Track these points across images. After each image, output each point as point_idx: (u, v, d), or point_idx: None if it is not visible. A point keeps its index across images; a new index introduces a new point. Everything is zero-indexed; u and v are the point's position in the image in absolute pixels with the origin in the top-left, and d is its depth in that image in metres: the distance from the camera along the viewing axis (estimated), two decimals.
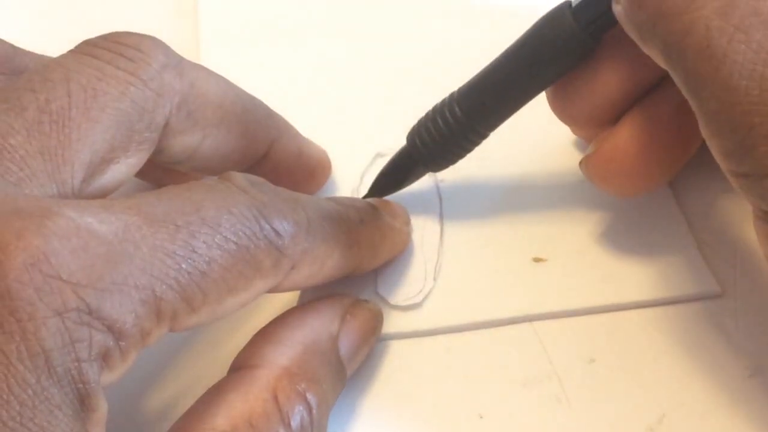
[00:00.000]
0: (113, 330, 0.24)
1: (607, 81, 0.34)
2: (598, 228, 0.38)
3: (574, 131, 0.39)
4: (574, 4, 0.33)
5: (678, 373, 0.34)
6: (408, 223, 0.38)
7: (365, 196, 0.39)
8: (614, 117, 0.35)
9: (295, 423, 0.29)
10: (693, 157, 0.37)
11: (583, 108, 0.35)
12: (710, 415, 0.33)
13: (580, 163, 0.36)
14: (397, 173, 0.38)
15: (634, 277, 0.37)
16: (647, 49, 0.30)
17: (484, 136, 0.36)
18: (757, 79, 0.27)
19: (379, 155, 0.41)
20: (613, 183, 0.36)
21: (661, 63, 0.30)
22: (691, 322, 0.36)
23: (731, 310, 0.36)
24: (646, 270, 0.37)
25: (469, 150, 0.37)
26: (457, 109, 0.36)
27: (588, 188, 0.37)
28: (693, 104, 0.29)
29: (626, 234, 0.38)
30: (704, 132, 0.29)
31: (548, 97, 0.36)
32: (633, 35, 0.30)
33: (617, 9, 0.31)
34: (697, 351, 0.35)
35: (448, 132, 0.36)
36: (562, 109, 0.36)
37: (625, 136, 0.35)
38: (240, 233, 0.28)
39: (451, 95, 0.36)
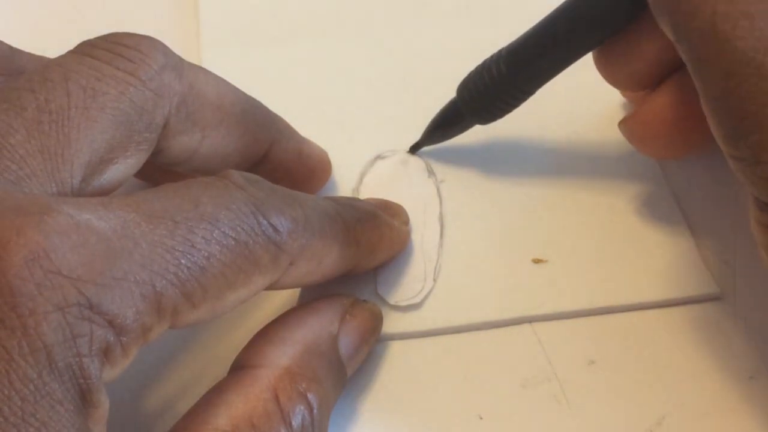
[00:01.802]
0: (114, 325, 0.24)
1: (650, 46, 0.34)
2: (598, 229, 0.38)
3: (622, 93, 0.40)
4: None
5: (678, 374, 0.34)
6: (407, 222, 0.38)
7: (414, 145, 0.41)
8: (656, 81, 0.36)
9: (296, 423, 0.29)
10: (693, 158, 0.37)
11: (625, 71, 0.36)
12: (710, 416, 0.33)
13: (620, 123, 0.37)
14: (445, 123, 0.40)
15: (633, 279, 0.37)
16: (661, 25, 0.31)
17: (528, 93, 0.37)
18: (756, 68, 0.27)
19: (379, 157, 0.41)
20: (649, 145, 0.36)
21: (672, 40, 0.30)
22: (691, 323, 0.36)
23: (731, 312, 0.36)
24: (646, 271, 0.37)
25: (514, 106, 0.38)
26: (502, 66, 0.37)
27: (588, 189, 0.37)
28: (696, 84, 0.30)
29: (626, 235, 0.38)
30: (705, 112, 0.30)
31: (594, 58, 0.37)
32: (652, 10, 0.31)
33: None
34: (697, 353, 0.35)
35: (494, 88, 0.37)
36: (606, 70, 0.37)
37: (663, 100, 0.35)
38: (238, 229, 0.28)
39: (499, 52, 0.37)
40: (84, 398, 0.24)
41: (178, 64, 0.32)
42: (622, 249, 0.38)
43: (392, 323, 0.36)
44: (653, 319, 0.36)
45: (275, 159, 0.36)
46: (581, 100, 0.42)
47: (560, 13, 0.36)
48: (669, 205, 0.39)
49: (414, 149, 0.41)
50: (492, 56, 0.37)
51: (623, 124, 0.37)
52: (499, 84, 0.37)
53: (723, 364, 0.35)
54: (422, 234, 0.38)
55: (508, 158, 0.40)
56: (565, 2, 0.35)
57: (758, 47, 0.27)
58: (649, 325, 0.36)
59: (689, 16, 0.29)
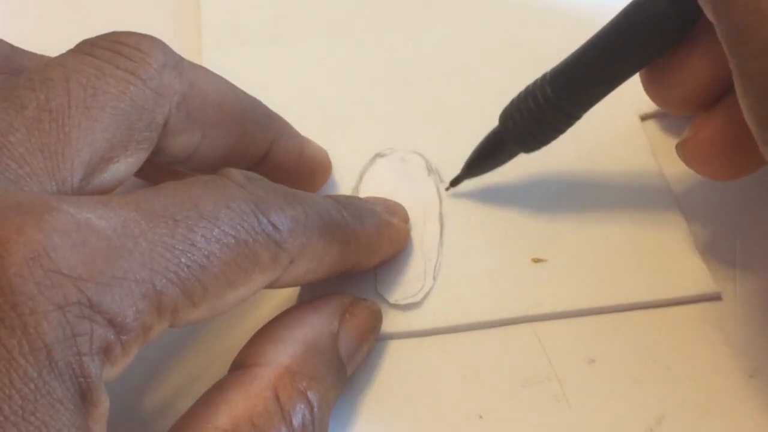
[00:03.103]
0: (114, 324, 0.24)
1: (702, 64, 0.33)
2: (598, 228, 0.38)
3: (669, 111, 0.38)
4: None
5: (677, 374, 0.34)
6: (407, 220, 0.38)
7: (454, 179, 0.39)
8: (710, 100, 0.35)
9: (296, 421, 0.29)
10: None
11: (677, 91, 0.35)
12: (710, 416, 0.33)
13: (677, 146, 0.36)
14: (489, 153, 0.38)
15: (633, 278, 0.37)
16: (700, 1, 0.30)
17: (575, 117, 0.36)
18: None
19: (378, 155, 0.41)
20: (712, 167, 0.35)
21: (710, 15, 0.29)
22: (691, 323, 0.36)
23: (731, 311, 0.36)
24: (646, 271, 0.37)
25: (561, 131, 0.37)
26: (548, 89, 0.35)
27: (588, 188, 0.37)
28: (732, 62, 0.29)
29: (626, 234, 0.38)
30: (738, 91, 0.29)
31: (642, 80, 0.36)
32: None
33: None
34: (697, 352, 0.35)
35: (539, 113, 0.36)
36: (655, 92, 0.36)
37: (724, 119, 0.34)
38: (238, 227, 0.28)
39: (543, 76, 0.36)
40: (84, 397, 0.24)
41: (178, 63, 0.32)
42: (621, 248, 0.38)
43: (392, 322, 0.36)
44: (653, 319, 0.36)
45: (275, 158, 0.36)
46: None
47: (606, 33, 0.34)
48: (669, 204, 0.39)
49: (454, 183, 0.40)
50: (536, 81, 0.36)
51: (681, 147, 0.36)
52: (546, 109, 0.36)
53: (723, 363, 0.35)
54: (422, 233, 0.38)
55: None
56: (610, 21, 0.34)
57: None
58: (649, 324, 0.36)
59: None
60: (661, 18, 0.33)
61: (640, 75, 0.35)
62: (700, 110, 0.35)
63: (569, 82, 0.35)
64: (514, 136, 0.37)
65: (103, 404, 0.25)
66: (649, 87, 0.36)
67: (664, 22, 0.33)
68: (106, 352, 0.24)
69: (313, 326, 0.32)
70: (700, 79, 0.34)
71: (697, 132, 0.35)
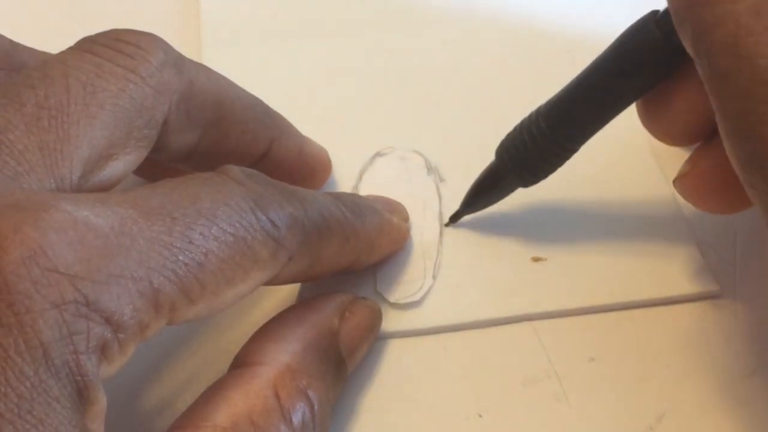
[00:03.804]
0: (111, 322, 0.24)
1: (698, 96, 0.32)
2: (598, 228, 0.38)
3: (666, 143, 0.37)
4: (659, 15, 0.32)
5: (677, 372, 0.34)
6: (406, 219, 0.38)
7: (453, 215, 0.39)
8: (707, 132, 0.34)
9: (296, 420, 0.29)
10: None
11: (674, 124, 0.34)
12: (709, 414, 0.33)
13: (674, 181, 0.35)
14: (487, 188, 0.38)
15: (633, 277, 0.37)
16: (681, 37, 0.29)
17: (571, 150, 0.35)
18: None
19: (378, 154, 0.41)
20: (710, 202, 0.34)
21: (691, 52, 0.29)
22: (691, 321, 0.36)
23: (731, 309, 0.36)
24: (646, 270, 0.37)
25: (558, 165, 0.36)
26: (543, 124, 0.35)
27: (588, 187, 0.37)
28: (713, 102, 0.28)
29: (626, 234, 0.38)
30: (721, 132, 0.28)
31: (638, 112, 0.35)
32: (673, 18, 0.30)
33: None
34: (697, 350, 0.35)
35: (535, 147, 0.35)
36: (651, 124, 0.35)
37: (722, 153, 0.32)
38: (237, 224, 0.28)
39: (537, 109, 0.35)
40: (81, 395, 0.24)
41: (178, 61, 0.32)
42: (621, 246, 0.38)
43: (392, 321, 0.36)
44: (653, 317, 0.36)
45: (275, 157, 0.36)
46: None
47: (598, 65, 0.34)
48: (669, 202, 0.39)
49: (453, 219, 0.39)
50: (530, 115, 0.36)
51: (679, 182, 0.35)
52: (541, 142, 0.35)
53: (723, 361, 0.35)
54: (422, 232, 0.38)
55: None
56: (603, 53, 0.34)
57: None
58: (649, 322, 0.36)
59: (711, 25, 0.27)
60: (655, 49, 0.32)
61: (636, 107, 0.35)
62: (697, 142, 0.34)
63: (563, 115, 0.35)
64: (512, 170, 0.36)
65: (100, 402, 0.25)
66: (646, 120, 0.35)
67: (657, 53, 0.32)
68: (103, 351, 0.24)
69: (314, 325, 0.32)
70: (696, 111, 0.33)
71: (694, 166, 0.34)
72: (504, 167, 0.36)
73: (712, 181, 0.33)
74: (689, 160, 0.34)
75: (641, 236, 0.38)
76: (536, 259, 0.38)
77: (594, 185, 0.38)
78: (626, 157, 0.41)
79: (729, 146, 0.28)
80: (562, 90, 0.35)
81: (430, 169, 0.41)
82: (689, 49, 0.29)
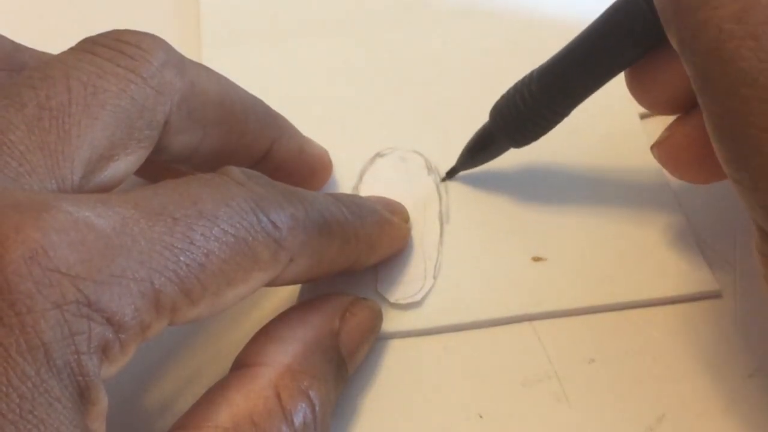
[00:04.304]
0: (113, 322, 0.24)
1: (681, 67, 0.33)
2: (598, 228, 0.38)
3: (653, 112, 0.39)
4: None
5: (677, 372, 0.34)
6: (407, 219, 0.38)
7: (450, 171, 0.40)
8: (693, 101, 0.34)
9: (297, 420, 0.29)
10: None
11: (660, 92, 0.35)
12: (709, 414, 0.33)
13: (652, 147, 0.36)
14: (480, 147, 0.39)
15: (633, 277, 0.37)
16: (667, 34, 0.30)
17: (561, 114, 0.37)
18: (758, 89, 0.27)
19: (378, 155, 0.41)
20: (685, 170, 0.35)
21: (678, 53, 0.30)
22: (691, 322, 0.36)
23: (731, 310, 0.36)
24: (646, 270, 0.37)
25: (548, 128, 0.37)
26: (534, 87, 0.36)
27: (588, 188, 0.37)
28: (700, 101, 0.29)
29: (626, 233, 0.38)
30: (708, 130, 0.29)
31: (626, 81, 0.36)
32: (662, 22, 0.30)
33: None
34: (697, 351, 0.35)
35: (526, 110, 0.37)
36: (639, 92, 0.36)
37: (699, 122, 0.33)
38: (238, 225, 0.28)
39: (531, 74, 0.37)
40: (82, 395, 0.24)
41: (179, 62, 0.32)
42: (622, 246, 0.38)
43: (392, 321, 0.36)
44: (653, 317, 0.36)
45: (276, 157, 0.36)
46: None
47: (590, 32, 0.35)
48: (669, 202, 0.39)
49: (450, 175, 0.40)
50: (524, 78, 0.37)
51: (656, 147, 0.36)
52: (532, 106, 0.36)
53: (723, 362, 0.35)
54: (422, 232, 0.38)
55: (508, 156, 0.40)
56: (595, 21, 0.35)
57: (762, 69, 0.26)
58: (649, 322, 0.36)
59: (695, 31, 0.28)
60: (641, 21, 0.33)
61: (625, 75, 0.36)
62: (683, 111, 0.35)
63: (554, 80, 0.36)
64: (504, 131, 0.38)
65: (102, 402, 0.25)
66: (633, 87, 0.36)
67: (645, 26, 0.33)
68: (105, 351, 0.24)
69: (314, 325, 0.32)
70: (681, 81, 0.33)
71: (671, 134, 0.35)
72: (497, 127, 0.38)
73: (689, 149, 0.34)
74: (668, 128, 0.35)
75: (641, 236, 0.38)
76: (536, 259, 0.38)
77: (594, 185, 0.38)
78: (627, 157, 0.41)
79: (714, 143, 0.29)
80: (554, 56, 0.36)
81: (431, 169, 0.41)
82: (676, 48, 0.30)
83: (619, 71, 0.35)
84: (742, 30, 0.27)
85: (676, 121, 0.35)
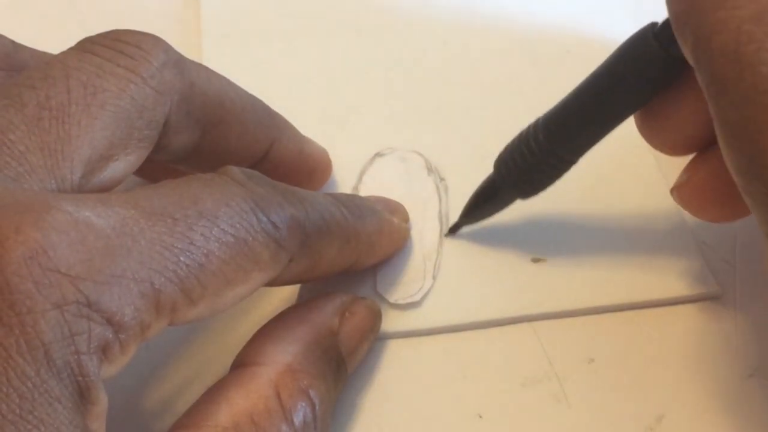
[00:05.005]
0: (112, 323, 0.24)
1: (696, 107, 0.32)
2: (598, 228, 0.38)
3: (665, 153, 0.36)
4: (657, 27, 0.32)
5: (677, 373, 0.35)
6: (407, 219, 0.38)
7: (453, 226, 0.38)
8: (705, 143, 0.33)
9: (297, 420, 0.29)
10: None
11: (672, 135, 0.33)
12: (709, 415, 0.33)
13: (672, 191, 0.35)
14: (485, 200, 0.38)
15: (633, 278, 0.37)
16: (681, 43, 0.29)
17: (570, 162, 0.35)
18: None
19: (378, 155, 0.41)
20: (708, 212, 0.34)
21: (690, 59, 0.28)
22: (691, 322, 0.36)
23: (731, 310, 0.36)
24: (646, 270, 0.37)
25: (556, 177, 0.36)
26: (541, 136, 0.34)
27: (588, 188, 0.37)
28: (712, 109, 0.28)
29: (626, 234, 0.38)
30: (719, 139, 0.28)
31: (636, 123, 0.34)
32: (672, 24, 0.29)
33: None
34: (697, 351, 0.35)
35: (533, 160, 0.35)
36: (649, 135, 0.34)
37: (719, 162, 0.31)
38: (238, 225, 0.28)
39: (536, 122, 0.35)
40: (82, 395, 0.24)
41: (179, 62, 0.32)
42: (621, 247, 0.38)
43: (392, 322, 0.36)
44: (653, 318, 0.36)
45: (275, 157, 0.36)
46: None
47: (597, 77, 0.33)
48: (669, 203, 0.39)
49: (452, 231, 0.39)
50: (528, 127, 0.35)
51: (677, 191, 0.35)
52: (540, 156, 0.35)
53: (722, 362, 0.35)
54: (422, 232, 0.38)
55: None
56: (601, 65, 0.33)
57: None
58: (649, 323, 0.36)
59: (712, 31, 0.27)
60: (652, 61, 0.32)
61: (634, 118, 0.34)
62: (695, 151, 0.34)
63: (561, 128, 0.34)
64: (510, 182, 0.36)
65: (102, 402, 0.25)
66: (644, 130, 0.34)
67: (655, 65, 0.32)
68: (105, 351, 0.24)
69: (314, 324, 0.32)
70: (695, 122, 0.32)
71: (691, 176, 0.34)
72: (502, 180, 0.36)
73: (710, 191, 0.33)
74: (686, 170, 0.34)
75: (641, 237, 0.38)
76: (536, 260, 0.38)
77: (594, 186, 0.38)
78: (626, 158, 0.41)
79: (727, 154, 0.28)
80: (560, 102, 0.35)
81: (431, 169, 0.41)
82: (689, 56, 0.28)
83: (630, 114, 0.34)
84: (762, 32, 0.26)
85: (693, 162, 0.34)
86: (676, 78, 0.32)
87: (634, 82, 0.33)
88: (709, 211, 0.34)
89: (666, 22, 0.31)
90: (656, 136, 0.34)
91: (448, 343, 0.36)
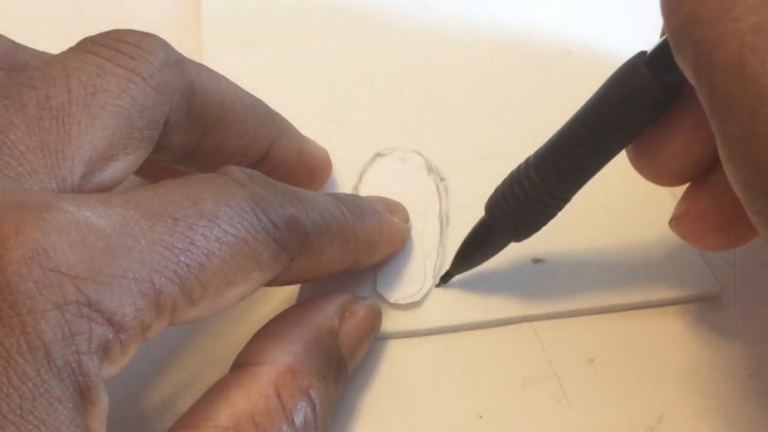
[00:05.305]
0: (113, 323, 0.24)
1: (691, 136, 0.31)
2: (598, 228, 0.38)
3: (659, 184, 0.34)
4: (648, 56, 0.31)
5: (677, 373, 0.35)
6: (407, 219, 0.38)
7: (444, 275, 0.37)
8: (701, 171, 0.32)
9: (298, 420, 0.29)
10: None
11: (667, 166, 0.32)
12: (709, 415, 0.33)
13: (670, 222, 0.34)
14: (478, 245, 0.36)
15: (633, 279, 0.37)
16: (680, 60, 0.28)
17: (564, 200, 0.34)
18: None
19: (378, 155, 0.41)
20: (708, 241, 0.33)
21: (691, 78, 0.27)
22: (691, 322, 0.36)
23: (731, 310, 0.36)
24: (646, 270, 0.37)
25: (551, 216, 0.34)
26: (533, 175, 0.33)
27: (588, 189, 0.37)
28: (714, 125, 0.27)
29: (626, 234, 0.38)
30: (721, 155, 0.27)
31: (629, 156, 0.33)
32: (670, 41, 0.28)
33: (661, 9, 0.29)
34: (697, 351, 0.35)
35: (526, 199, 0.34)
36: (644, 167, 0.33)
37: (716, 191, 0.31)
38: (238, 225, 0.28)
39: (527, 161, 0.34)
40: (83, 396, 0.24)
41: (179, 62, 0.32)
42: (622, 248, 0.38)
43: (392, 322, 0.36)
44: (653, 318, 0.36)
45: (275, 157, 0.36)
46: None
47: (588, 111, 0.32)
48: (669, 203, 0.39)
49: (444, 280, 0.37)
50: (519, 167, 0.34)
51: (676, 222, 0.34)
52: (533, 195, 0.33)
53: (722, 362, 0.35)
54: (422, 232, 0.38)
55: (509, 157, 0.40)
56: (591, 97, 0.33)
57: None
58: (649, 323, 0.36)
59: (714, 45, 0.26)
60: (645, 90, 0.31)
61: (626, 152, 0.33)
62: (689, 182, 0.33)
63: (553, 165, 0.33)
64: (503, 225, 0.35)
65: (102, 402, 0.25)
66: (637, 163, 0.33)
67: (649, 94, 0.31)
68: (105, 351, 0.24)
69: (314, 324, 0.32)
70: (690, 152, 0.32)
71: (689, 207, 0.33)
72: (495, 222, 0.35)
73: (710, 220, 0.32)
74: (683, 200, 0.34)
75: (641, 237, 0.38)
76: (536, 261, 0.38)
77: (593, 186, 0.37)
78: (626, 158, 0.40)
79: (731, 171, 0.27)
80: (551, 138, 0.34)
81: (431, 169, 0.41)
82: (689, 73, 0.28)
83: (624, 146, 0.33)
84: (765, 43, 0.25)
85: (690, 191, 0.34)
86: (669, 106, 0.31)
87: (628, 114, 0.32)
88: (710, 240, 0.33)
89: (656, 50, 0.31)
90: (650, 168, 0.33)
91: (448, 343, 0.36)
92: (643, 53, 0.31)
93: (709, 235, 0.33)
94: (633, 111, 0.31)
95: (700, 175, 0.33)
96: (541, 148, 0.34)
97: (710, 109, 0.27)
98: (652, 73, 0.31)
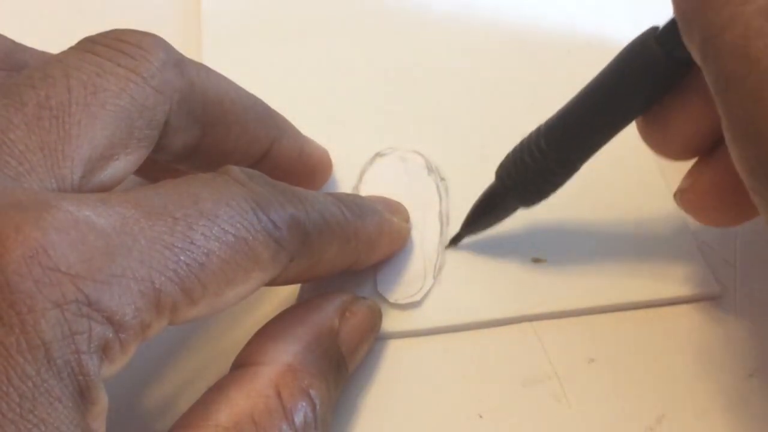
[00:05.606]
0: (113, 322, 0.24)
1: (699, 111, 0.32)
2: (598, 228, 0.38)
3: (667, 158, 0.35)
4: (659, 31, 0.32)
5: (677, 373, 0.35)
6: (407, 219, 0.38)
7: (454, 237, 0.38)
8: (708, 147, 0.33)
9: (298, 419, 0.29)
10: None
11: (675, 139, 0.33)
12: (709, 415, 0.33)
13: (675, 195, 0.35)
14: (487, 209, 0.37)
15: (634, 278, 0.37)
16: (687, 42, 0.28)
17: (573, 169, 0.35)
18: None
19: (378, 154, 0.41)
20: (712, 216, 0.34)
21: (697, 57, 0.28)
22: (691, 322, 0.36)
23: (731, 310, 0.36)
24: (647, 271, 0.37)
25: (559, 184, 0.35)
26: (543, 143, 0.34)
27: (588, 188, 0.37)
28: (720, 107, 0.27)
29: (626, 234, 0.38)
30: (726, 136, 0.27)
31: (638, 128, 0.34)
32: (679, 23, 0.29)
33: None
34: (697, 351, 0.35)
35: (535, 167, 0.35)
36: (653, 140, 0.34)
37: (722, 167, 0.32)
38: (238, 225, 0.28)
39: (538, 129, 0.35)
40: (83, 395, 0.24)
41: (179, 61, 0.32)
42: (622, 247, 0.38)
43: (392, 321, 0.36)
44: (653, 318, 0.36)
45: (276, 157, 0.36)
46: None
47: (599, 82, 0.33)
48: (669, 203, 0.39)
49: (453, 242, 0.38)
50: (530, 134, 0.35)
51: (680, 195, 0.34)
52: (542, 163, 0.34)
53: (722, 362, 0.35)
54: (422, 232, 0.38)
55: None
56: (602, 70, 0.33)
57: None
58: (649, 323, 0.36)
59: (720, 27, 0.26)
60: (655, 65, 0.32)
61: (636, 124, 0.34)
62: (697, 156, 0.34)
63: (564, 134, 0.34)
64: (512, 191, 0.36)
65: (102, 402, 0.25)
66: (646, 135, 0.34)
67: (658, 69, 0.32)
68: (105, 350, 0.24)
69: (314, 324, 0.32)
70: (697, 126, 0.32)
71: (694, 181, 0.34)
72: (504, 188, 0.36)
73: (714, 195, 0.33)
74: (689, 174, 0.34)
75: (641, 237, 0.38)
76: (537, 260, 0.38)
77: (594, 186, 0.38)
78: (627, 158, 0.40)
79: (735, 152, 0.27)
80: (562, 108, 0.34)
81: (431, 169, 0.41)
82: (696, 54, 0.28)
83: (633, 119, 0.34)
84: None
85: (696, 166, 0.34)
86: (678, 82, 0.32)
87: (637, 87, 0.32)
88: (713, 216, 0.34)
89: (668, 26, 0.31)
90: (659, 141, 0.34)
91: (448, 343, 0.36)
92: (654, 28, 0.32)
93: (712, 210, 0.33)
94: (642, 84, 0.32)
95: (708, 150, 0.33)
96: (552, 117, 0.34)
97: (716, 91, 0.27)
98: (661, 48, 0.31)
